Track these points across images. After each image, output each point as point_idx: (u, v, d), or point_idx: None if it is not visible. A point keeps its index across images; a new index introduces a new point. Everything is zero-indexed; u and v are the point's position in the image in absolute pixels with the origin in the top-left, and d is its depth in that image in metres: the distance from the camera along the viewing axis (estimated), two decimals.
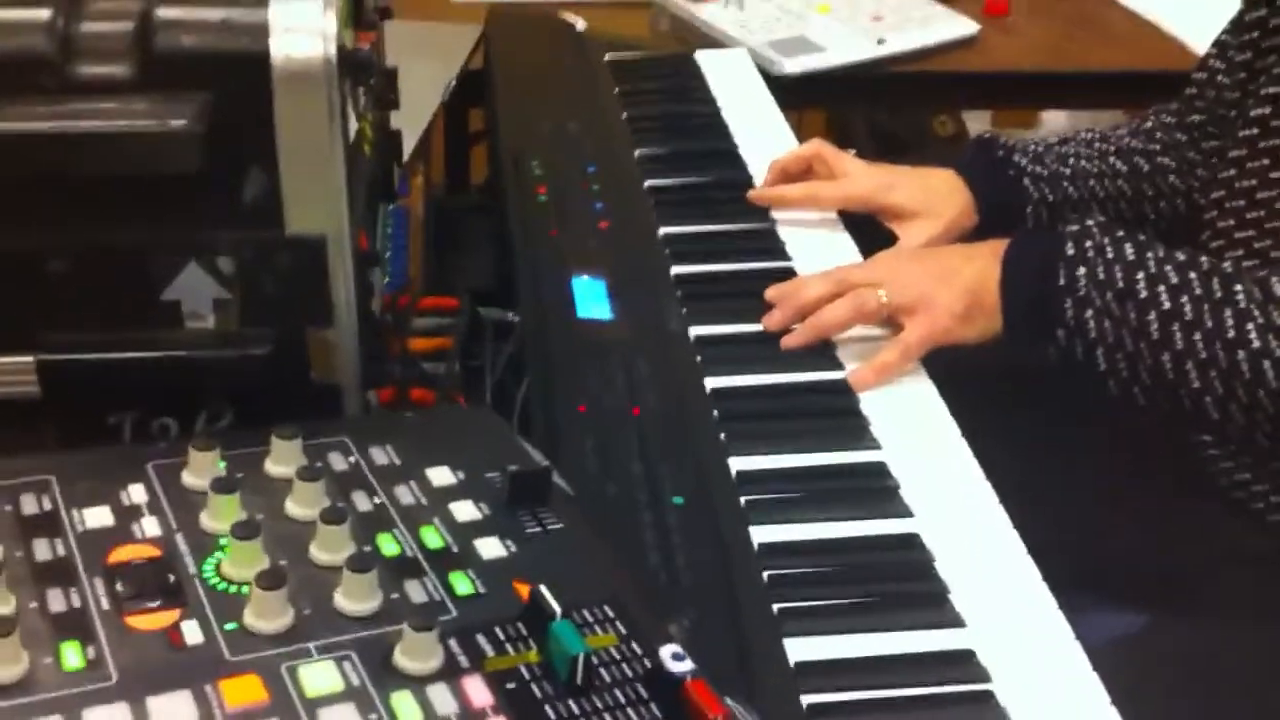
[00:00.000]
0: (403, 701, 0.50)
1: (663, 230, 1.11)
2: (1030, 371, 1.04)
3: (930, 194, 1.13)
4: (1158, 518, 1.11)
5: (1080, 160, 1.18)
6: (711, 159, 1.25)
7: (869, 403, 0.92)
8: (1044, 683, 0.70)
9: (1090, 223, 0.98)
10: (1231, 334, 0.91)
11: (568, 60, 1.42)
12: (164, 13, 0.62)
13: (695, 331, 0.98)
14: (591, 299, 0.98)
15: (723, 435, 0.87)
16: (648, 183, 1.18)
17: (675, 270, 1.05)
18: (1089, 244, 0.96)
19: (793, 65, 1.56)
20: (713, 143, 1.28)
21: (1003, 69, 1.69)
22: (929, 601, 0.75)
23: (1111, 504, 1.13)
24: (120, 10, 0.62)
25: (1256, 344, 0.91)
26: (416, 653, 0.52)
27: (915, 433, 0.90)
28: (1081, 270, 0.94)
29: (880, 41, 1.62)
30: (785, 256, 1.09)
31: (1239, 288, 0.93)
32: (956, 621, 0.74)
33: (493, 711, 0.50)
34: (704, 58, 1.48)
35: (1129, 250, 0.95)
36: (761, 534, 0.79)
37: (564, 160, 1.17)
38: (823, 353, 0.97)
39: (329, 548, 0.56)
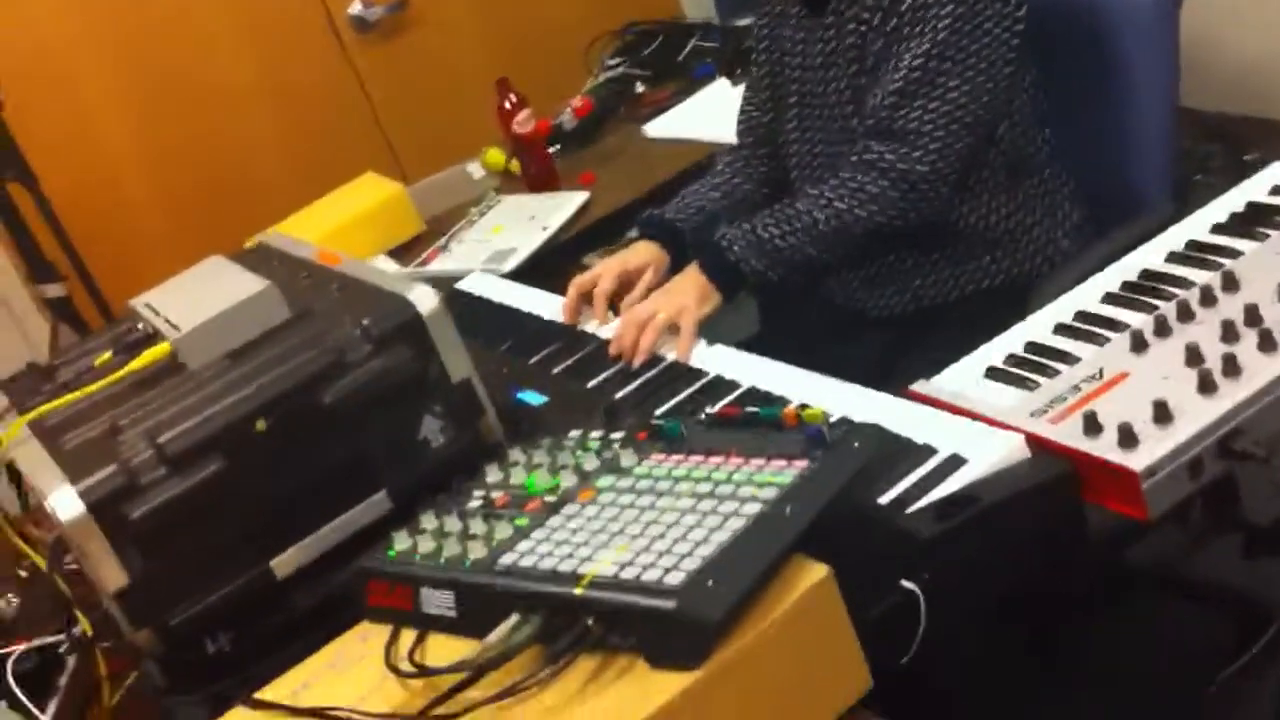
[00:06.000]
0: None
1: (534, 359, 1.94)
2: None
3: (644, 253, 2.01)
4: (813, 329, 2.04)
5: (706, 194, 2.12)
6: (520, 317, 2.09)
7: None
8: None
9: (721, 228, 1.90)
10: (818, 210, 1.84)
11: None
12: (368, 322, 1.42)
13: (590, 383, 1.81)
14: (532, 398, 1.80)
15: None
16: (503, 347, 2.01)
17: (553, 370, 1.89)
18: (727, 235, 1.87)
19: (507, 266, 2.44)
20: (511, 315, 2.12)
21: (612, 209, 2.63)
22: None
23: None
24: (348, 335, 1.42)
25: (834, 208, 1.84)
26: None
27: (723, 357, 1.76)
28: (735, 248, 1.85)
29: (544, 229, 2.53)
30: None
31: (808, 192, 1.86)
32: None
33: None
34: (463, 284, 2.31)
35: (745, 225, 1.87)
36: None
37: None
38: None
39: None
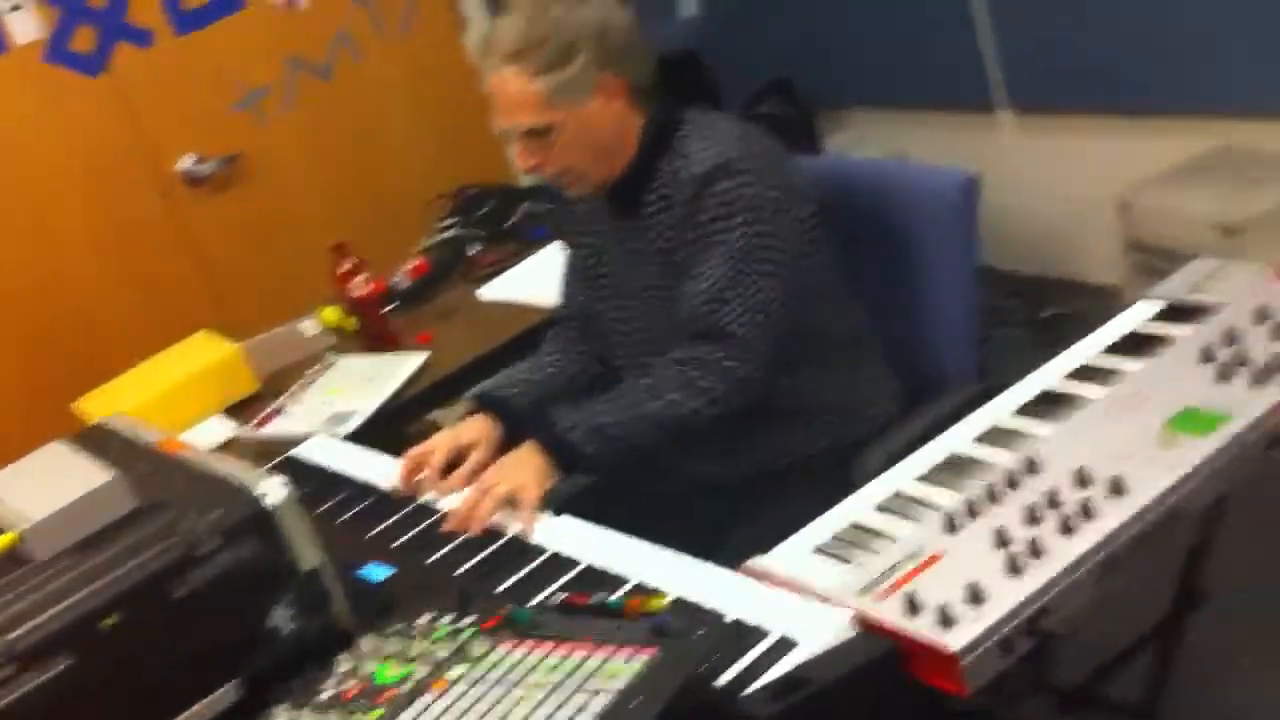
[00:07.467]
0: None
1: (375, 530, 1.98)
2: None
3: (476, 429, 2.08)
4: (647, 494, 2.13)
5: (537, 373, 2.21)
6: (360, 486, 2.13)
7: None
8: None
9: (556, 414, 1.97)
10: (652, 402, 1.94)
11: None
12: (217, 515, 1.44)
13: (430, 558, 1.86)
14: (376, 573, 1.83)
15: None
16: (342, 518, 2.04)
17: (395, 542, 1.92)
18: (565, 419, 1.95)
19: (346, 428, 2.46)
20: (351, 484, 2.16)
21: (452, 369, 2.69)
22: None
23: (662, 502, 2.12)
24: (197, 528, 1.44)
25: (666, 400, 1.94)
26: None
27: (561, 531, 1.83)
28: (573, 434, 1.93)
29: (383, 390, 2.57)
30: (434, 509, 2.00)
31: (639, 383, 1.96)
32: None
33: None
34: (300, 450, 2.34)
35: (582, 411, 1.96)
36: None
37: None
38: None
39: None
